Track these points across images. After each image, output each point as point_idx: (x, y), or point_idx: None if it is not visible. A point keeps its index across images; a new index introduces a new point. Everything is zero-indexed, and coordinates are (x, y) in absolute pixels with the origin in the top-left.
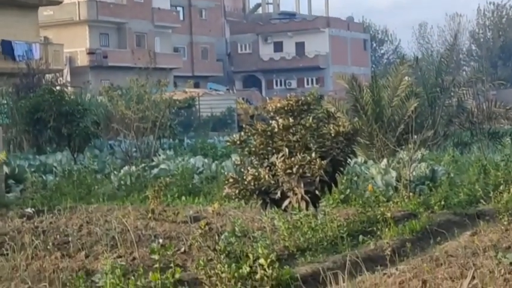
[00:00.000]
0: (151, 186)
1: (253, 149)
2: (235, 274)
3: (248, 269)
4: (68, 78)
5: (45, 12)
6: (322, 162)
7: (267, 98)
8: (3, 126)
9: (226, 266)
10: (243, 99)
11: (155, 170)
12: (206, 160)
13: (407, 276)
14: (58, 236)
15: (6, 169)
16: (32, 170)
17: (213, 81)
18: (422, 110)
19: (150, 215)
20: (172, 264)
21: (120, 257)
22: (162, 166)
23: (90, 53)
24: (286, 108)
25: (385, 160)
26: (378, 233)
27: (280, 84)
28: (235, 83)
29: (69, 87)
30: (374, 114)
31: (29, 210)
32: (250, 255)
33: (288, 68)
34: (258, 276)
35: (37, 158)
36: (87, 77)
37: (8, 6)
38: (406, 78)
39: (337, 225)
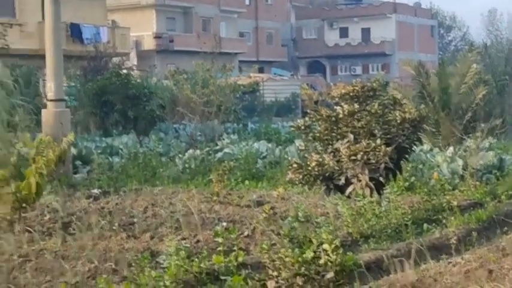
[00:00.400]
0: (215, 170)
1: (318, 134)
2: (299, 259)
3: (312, 254)
4: (135, 62)
5: None
6: (387, 149)
7: (331, 84)
8: (70, 109)
9: (290, 250)
10: (307, 84)
11: (219, 154)
12: (270, 145)
13: (473, 265)
14: (124, 217)
15: (73, 150)
16: (99, 151)
17: (277, 66)
18: (490, 98)
19: (215, 197)
20: (235, 248)
21: (184, 239)
22: (226, 150)
23: (157, 37)
24: (351, 94)
25: (451, 148)
26: (443, 221)
27: (345, 71)
28: (300, 68)
29: (135, 71)
30: (441, 102)
31: (95, 191)
32: (314, 240)
33: (353, 54)
34: (321, 262)
35: (103, 140)
36: (153, 61)
37: None
38: (475, 65)
39: (401, 212)
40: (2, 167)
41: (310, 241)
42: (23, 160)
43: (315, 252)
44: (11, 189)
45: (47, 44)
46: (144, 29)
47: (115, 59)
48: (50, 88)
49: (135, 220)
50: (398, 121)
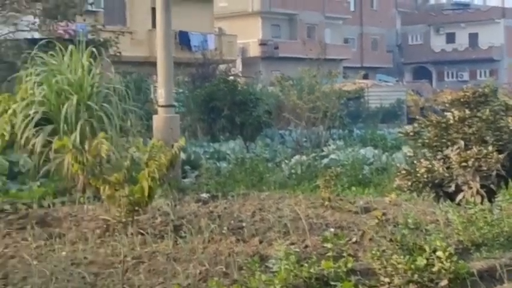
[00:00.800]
0: (322, 176)
1: (427, 140)
2: (412, 266)
3: (425, 261)
4: (240, 69)
5: (220, 4)
6: (499, 155)
7: (438, 90)
8: (179, 115)
9: (402, 257)
10: (412, 91)
11: (325, 160)
12: (376, 151)
13: None
14: (232, 221)
15: (183, 155)
16: (207, 156)
17: (382, 72)
18: None
19: (326, 202)
20: (344, 253)
21: (293, 244)
22: (332, 156)
23: (262, 44)
24: (462, 99)
25: None
26: None
27: (452, 77)
28: (405, 74)
29: (241, 78)
30: None
31: (204, 195)
32: (427, 247)
33: (460, 59)
34: (435, 269)
35: (211, 146)
36: (258, 68)
37: None
38: None
39: None
40: (116, 171)
41: (421, 248)
42: (135, 164)
43: (427, 259)
44: (125, 192)
45: (159, 51)
46: (249, 36)
47: (222, 66)
48: (160, 94)
49: (244, 224)
50: (511, 127)
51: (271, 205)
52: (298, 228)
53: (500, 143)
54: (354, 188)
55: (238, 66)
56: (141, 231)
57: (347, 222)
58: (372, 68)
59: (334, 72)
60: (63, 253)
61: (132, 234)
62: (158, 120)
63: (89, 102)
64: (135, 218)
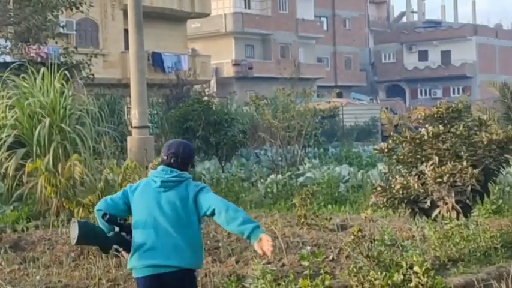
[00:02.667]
0: (298, 194)
1: (402, 157)
2: (389, 282)
3: (402, 276)
4: (215, 89)
5: (193, 25)
6: (474, 171)
7: (411, 107)
8: (153, 136)
9: (379, 273)
10: (386, 108)
11: (301, 178)
12: (351, 169)
13: None
14: (208, 242)
15: None
16: None
17: (356, 91)
18: None
19: (302, 220)
20: (321, 271)
21: (270, 263)
22: (308, 174)
23: (236, 64)
24: (436, 115)
25: None
26: None
27: (425, 94)
28: (379, 92)
29: (216, 98)
30: None
31: None
32: (404, 263)
33: (433, 77)
34: (412, 284)
35: None
36: (232, 88)
37: (158, 19)
38: None
39: (490, 235)
40: (90, 193)
41: (398, 264)
42: (110, 186)
43: (404, 275)
44: None
45: (132, 72)
46: (223, 56)
47: (196, 87)
48: (134, 115)
49: (220, 244)
50: (485, 142)
51: None
52: (274, 247)
53: (475, 158)
54: (330, 206)
55: (213, 87)
56: (116, 253)
57: (323, 240)
58: (345, 86)
59: (308, 91)
60: (38, 277)
61: (107, 256)
62: (132, 142)
63: (61, 125)
64: None
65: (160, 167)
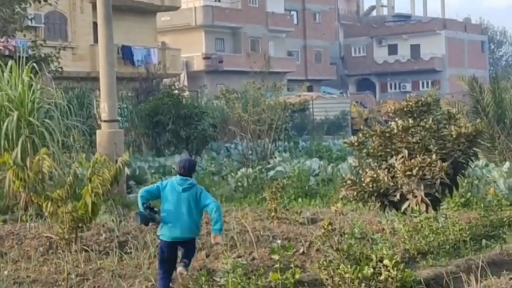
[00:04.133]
0: (268, 188)
1: (371, 150)
2: (359, 275)
3: (372, 270)
4: (185, 83)
5: (163, 18)
6: (443, 164)
7: (381, 101)
8: (123, 129)
9: (349, 266)
10: (356, 102)
11: (271, 172)
12: (322, 162)
13: None
14: None
15: (127, 170)
16: (152, 171)
17: (326, 84)
18: None
19: (272, 213)
20: (292, 265)
21: (240, 256)
22: (279, 168)
23: (206, 57)
24: (405, 109)
25: (507, 163)
26: (503, 237)
27: (395, 88)
28: (349, 86)
29: (186, 92)
30: (496, 116)
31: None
32: (373, 256)
33: (402, 70)
34: (382, 278)
35: (156, 160)
36: (203, 82)
37: (128, 12)
38: None
39: (458, 228)
40: (59, 188)
41: (368, 257)
42: (79, 180)
43: (374, 268)
44: (68, 209)
45: (101, 66)
46: (193, 50)
47: (166, 80)
48: (103, 109)
49: None
50: (454, 136)
51: None
52: (245, 240)
53: (444, 151)
54: (300, 200)
55: (183, 80)
56: (86, 247)
57: (294, 234)
58: (316, 80)
59: (278, 85)
60: (5, 272)
61: (76, 251)
62: (101, 136)
63: (30, 118)
64: (79, 234)
65: (178, 177)
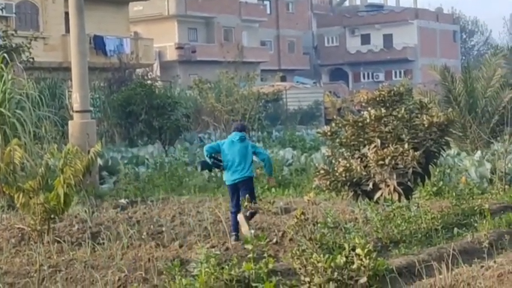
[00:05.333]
0: None
1: (344, 140)
2: (332, 264)
3: (344, 259)
4: (158, 73)
5: (135, 8)
6: (415, 153)
7: (354, 91)
8: (95, 120)
9: (321, 255)
10: (329, 92)
11: None
12: (295, 152)
13: (506, 269)
14: (152, 226)
15: (100, 161)
16: (125, 162)
17: (299, 74)
18: None
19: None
20: (265, 255)
21: (214, 247)
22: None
23: (179, 47)
24: (378, 98)
25: (479, 152)
26: (475, 225)
27: (368, 77)
28: (322, 76)
29: (159, 82)
30: (467, 106)
31: (122, 201)
32: (346, 245)
33: (375, 60)
34: (354, 266)
35: (129, 151)
36: (175, 72)
37: (100, 2)
38: (500, 69)
39: (431, 217)
40: (31, 179)
41: (340, 246)
42: (51, 171)
43: (347, 257)
44: (40, 200)
45: (73, 56)
46: (166, 40)
47: (139, 70)
48: (75, 99)
49: (164, 229)
50: (426, 125)
51: (191, 209)
52: (218, 231)
53: (416, 140)
54: (273, 189)
55: (156, 70)
56: (58, 239)
57: (267, 223)
58: (289, 70)
59: (252, 75)
60: None
61: (48, 242)
62: (74, 126)
63: (1, 109)
64: (51, 225)
65: (234, 133)
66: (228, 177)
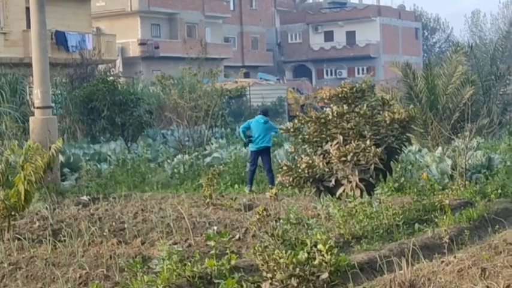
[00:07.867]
0: (205, 175)
1: (307, 136)
2: (293, 260)
3: (306, 254)
4: (121, 69)
5: (98, 3)
6: (377, 149)
7: (317, 87)
8: (57, 116)
9: (284, 251)
10: (293, 88)
11: (208, 159)
12: None
13: (466, 264)
14: (114, 223)
15: (61, 158)
16: (87, 158)
17: (263, 71)
18: (477, 98)
19: (208, 200)
20: (228, 251)
21: (176, 243)
22: (215, 155)
23: (142, 43)
24: (340, 95)
25: (440, 148)
26: (435, 221)
27: (331, 74)
28: (285, 72)
29: (121, 78)
30: (428, 102)
31: (84, 197)
32: (308, 241)
33: (338, 57)
34: (316, 262)
35: (91, 147)
36: (138, 68)
37: None
38: (460, 66)
39: (392, 213)
40: None
41: (302, 242)
42: (11, 168)
43: (308, 253)
44: (0, 197)
45: (34, 51)
46: (129, 36)
47: (101, 66)
48: (36, 95)
49: (126, 226)
50: (388, 122)
51: (153, 205)
52: (181, 227)
53: (378, 137)
54: (236, 186)
55: (118, 67)
56: (18, 236)
57: (230, 220)
58: (252, 66)
59: (215, 71)
60: None
61: (8, 239)
62: (35, 122)
63: None
64: (12, 223)
65: (259, 116)
66: (253, 146)
